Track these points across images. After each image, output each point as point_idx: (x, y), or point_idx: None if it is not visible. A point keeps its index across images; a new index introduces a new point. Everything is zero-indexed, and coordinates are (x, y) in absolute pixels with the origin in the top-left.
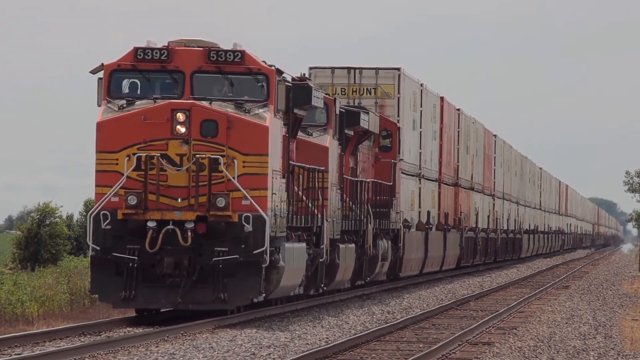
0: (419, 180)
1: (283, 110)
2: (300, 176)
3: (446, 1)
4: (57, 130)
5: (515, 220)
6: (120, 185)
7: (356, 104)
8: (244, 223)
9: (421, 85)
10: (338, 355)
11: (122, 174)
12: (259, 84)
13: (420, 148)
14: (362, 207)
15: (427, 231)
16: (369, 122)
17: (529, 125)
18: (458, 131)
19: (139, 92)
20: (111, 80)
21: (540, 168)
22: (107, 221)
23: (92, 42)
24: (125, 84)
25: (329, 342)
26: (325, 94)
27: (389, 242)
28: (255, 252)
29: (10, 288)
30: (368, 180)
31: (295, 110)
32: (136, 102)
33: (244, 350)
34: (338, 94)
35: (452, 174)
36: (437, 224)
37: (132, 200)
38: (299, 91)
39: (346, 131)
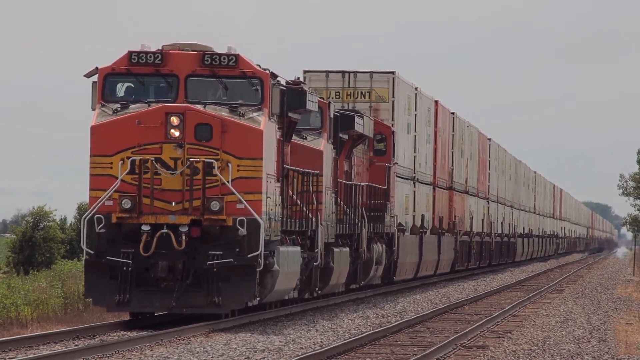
0: (414, 183)
1: (277, 114)
2: (295, 180)
3: (441, 7)
4: (51, 134)
5: (509, 224)
6: (115, 189)
7: (350, 108)
8: (239, 227)
9: (415, 88)
10: (332, 359)
11: (117, 178)
12: (254, 88)
13: (414, 152)
14: (357, 210)
15: (422, 235)
16: (363, 125)
17: (524, 129)
18: (452, 135)
19: (133, 95)
20: (105, 84)
21: (535, 172)
22: (101, 225)
23: (87, 45)
24: (120, 88)
25: (323, 346)
26: (320, 98)
27: (384, 246)
28: (249, 255)
29: (4, 292)
30: (362, 184)
31: (290, 114)
32: (130, 106)
33: (238, 354)
34: (332, 98)
35: (447, 178)
36: (432, 228)
37: (126, 204)
38: (294, 95)
39: (340, 135)
